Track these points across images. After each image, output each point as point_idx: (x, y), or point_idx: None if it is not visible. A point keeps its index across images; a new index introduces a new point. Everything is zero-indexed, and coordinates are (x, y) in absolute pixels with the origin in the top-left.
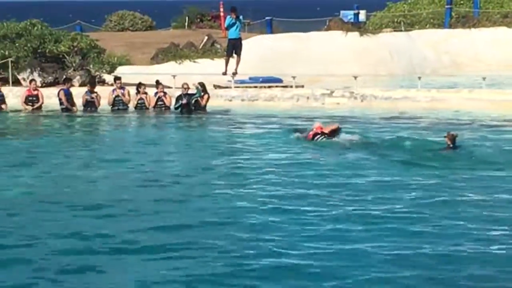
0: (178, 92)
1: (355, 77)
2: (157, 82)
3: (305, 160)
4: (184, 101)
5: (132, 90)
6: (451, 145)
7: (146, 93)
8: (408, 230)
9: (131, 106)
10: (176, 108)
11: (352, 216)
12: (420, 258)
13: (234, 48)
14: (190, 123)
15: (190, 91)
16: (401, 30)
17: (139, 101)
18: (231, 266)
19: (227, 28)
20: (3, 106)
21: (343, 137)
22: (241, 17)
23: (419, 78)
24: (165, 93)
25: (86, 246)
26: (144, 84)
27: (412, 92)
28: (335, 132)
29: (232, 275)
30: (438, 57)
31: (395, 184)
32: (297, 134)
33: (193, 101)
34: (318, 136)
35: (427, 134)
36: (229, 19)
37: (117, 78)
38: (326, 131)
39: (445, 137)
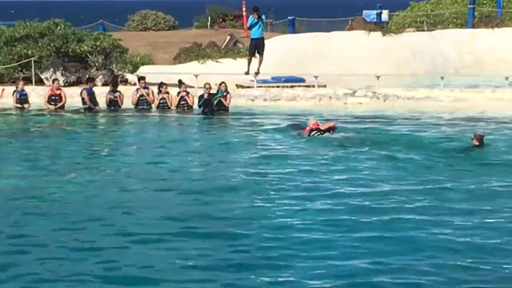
0: (201, 92)
1: (378, 77)
2: (180, 81)
3: (323, 159)
4: (206, 95)
5: (155, 90)
6: (479, 145)
7: (168, 92)
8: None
9: (153, 105)
10: (199, 106)
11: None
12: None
13: (256, 47)
14: (212, 122)
15: (212, 91)
16: (423, 30)
17: (161, 101)
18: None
19: (250, 28)
20: (25, 105)
21: (337, 134)
22: (263, 16)
23: (442, 78)
24: (187, 93)
25: (109, 241)
26: (166, 84)
27: (435, 92)
28: (331, 129)
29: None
30: (461, 57)
31: (428, 185)
32: (295, 132)
33: (215, 101)
34: (314, 132)
35: (450, 134)
36: (251, 19)
37: (141, 78)
38: (322, 128)
39: (472, 139)
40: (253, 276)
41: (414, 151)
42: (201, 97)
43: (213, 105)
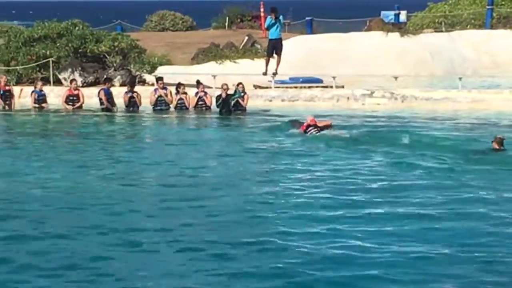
0: (218, 92)
1: (396, 78)
2: (198, 82)
3: (342, 163)
4: (223, 96)
5: (173, 90)
6: (500, 148)
7: (185, 93)
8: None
9: (171, 106)
10: (217, 106)
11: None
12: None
13: (274, 48)
14: (229, 123)
15: (229, 92)
16: (441, 31)
17: (179, 101)
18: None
19: (268, 29)
20: (44, 105)
21: (333, 132)
22: (281, 17)
23: (460, 79)
24: (205, 93)
25: (131, 241)
26: (183, 84)
27: (453, 93)
28: (327, 128)
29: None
30: (479, 57)
31: (445, 188)
32: (292, 130)
33: (233, 102)
34: (311, 128)
35: (469, 135)
36: (269, 20)
37: (159, 78)
38: (319, 124)
39: (492, 141)
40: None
41: (431, 153)
42: (218, 97)
43: (231, 105)
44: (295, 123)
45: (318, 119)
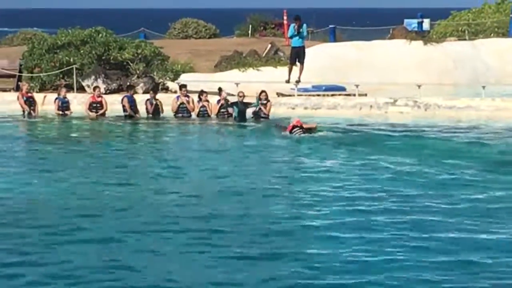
0: (234, 99)
1: (419, 86)
2: (220, 89)
3: (362, 168)
4: (240, 104)
5: (195, 98)
6: None
7: (208, 100)
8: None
9: (193, 113)
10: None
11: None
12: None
13: (297, 56)
14: (252, 130)
15: (251, 100)
16: (465, 39)
17: (201, 109)
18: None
19: (291, 37)
20: (67, 112)
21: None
22: (304, 25)
23: (483, 87)
24: (228, 101)
25: (154, 247)
26: (206, 92)
27: (476, 101)
28: (311, 130)
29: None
30: (503, 66)
31: (467, 198)
32: (277, 128)
33: (253, 110)
34: (296, 128)
35: (492, 144)
36: (292, 28)
37: (182, 86)
38: (305, 126)
39: None
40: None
41: (453, 161)
42: (233, 104)
43: (245, 113)
44: (281, 126)
45: (305, 122)
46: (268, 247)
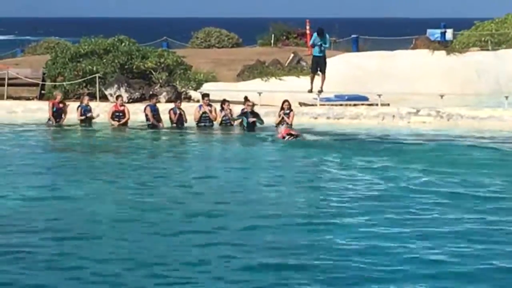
0: (242, 107)
1: (441, 96)
2: (246, 98)
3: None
4: (250, 119)
5: (218, 107)
6: None
7: (230, 109)
8: None
9: (215, 123)
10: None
11: None
12: None
13: (317, 65)
14: (275, 140)
15: (267, 110)
16: (488, 49)
17: (224, 118)
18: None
19: (313, 46)
20: (89, 115)
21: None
22: (327, 35)
23: (506, 97)
24: (253, 110)
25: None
26: (228, 101)
27: (499, 111)
28: (298, 136)
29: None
30: None
31: (488, 210)
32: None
33: (280, 118)
34: (287, 136)
35: None
36: (314, 36)
37: (205, 95)
38: (293, 133)
39: None
40: None
41: (475, 172)
42: (242, 114)
43: (254, 123)
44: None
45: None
46: (303, 258)
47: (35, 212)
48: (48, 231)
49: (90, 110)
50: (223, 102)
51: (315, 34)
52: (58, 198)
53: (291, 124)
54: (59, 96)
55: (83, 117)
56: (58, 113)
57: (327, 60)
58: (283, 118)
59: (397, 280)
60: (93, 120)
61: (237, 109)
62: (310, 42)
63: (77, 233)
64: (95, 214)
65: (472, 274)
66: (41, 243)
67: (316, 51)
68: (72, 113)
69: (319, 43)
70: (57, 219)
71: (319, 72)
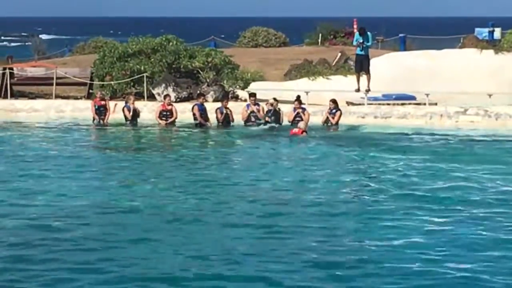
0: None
1: (490, 95)
2: (298, 97)
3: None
4: (268, 118)
5: (265, 107)
6: None
7: (279, 109)
8: None
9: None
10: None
11: None
12: None
13: (361, 64)
14: (320, 139)
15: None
16: None
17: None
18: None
19: (359, 45)
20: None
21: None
22: (369, 34)
23: None
24: (304, 109)
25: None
26: (277, 100)
27: None
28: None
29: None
30: None
31: None
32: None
33: (330, 116)
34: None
35: None
36: (357, 35)
37: (252, 94)
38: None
39: None
40: None
41: None
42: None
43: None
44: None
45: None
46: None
47: (90, 215)
48: (103, 231)
49: (132, 110)
50: (274, 100)
51: (357, 33)
52: (102, 195)
53: (336, 124)
54: (98, 95)
55: (128, 117)
56: (100, 110)
57: (373, 59)
58: (327, 117)
59: None
60: (139, 119)
61: (285, 108)
62: (354, 42)
63: (137, 233)
64: (141, 212)
65: None
66: (92, 246)
67: (358, 50)
68: (120, 112)
69: (361, 41)
70: (112, 220)
71: (363, 72)
